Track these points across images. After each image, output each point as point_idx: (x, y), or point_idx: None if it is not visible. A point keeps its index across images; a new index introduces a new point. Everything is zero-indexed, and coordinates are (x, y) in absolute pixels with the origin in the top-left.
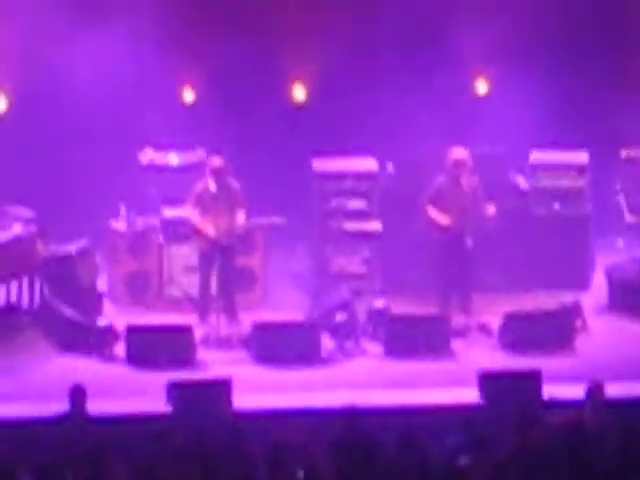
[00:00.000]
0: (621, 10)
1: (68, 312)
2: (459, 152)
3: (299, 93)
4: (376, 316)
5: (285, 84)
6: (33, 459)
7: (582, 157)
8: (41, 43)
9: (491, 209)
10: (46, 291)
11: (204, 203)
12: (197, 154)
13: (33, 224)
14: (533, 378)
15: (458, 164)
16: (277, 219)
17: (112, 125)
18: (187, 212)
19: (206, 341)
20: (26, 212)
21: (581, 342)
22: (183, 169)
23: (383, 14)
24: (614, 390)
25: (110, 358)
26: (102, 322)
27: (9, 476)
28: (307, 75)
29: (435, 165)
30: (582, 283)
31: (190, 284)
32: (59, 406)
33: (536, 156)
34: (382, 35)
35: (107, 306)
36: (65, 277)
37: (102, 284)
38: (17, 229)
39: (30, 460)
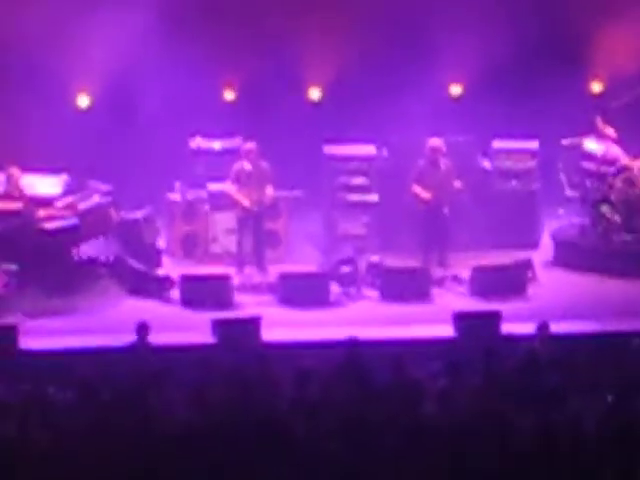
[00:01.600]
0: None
1: (135, 264)
2: (435, 141)
3: (314, 94)
4: (373, 268)
5: (303, 87)
6: (109, 381)
7: (533, 144)
8: (126, 59)
9: (460, 184)
10: (118, 248)
11: (240, 179)
12: (235, 141)
13: (109, 195)
14: (495, 318)
15: (434, 150)
16: (297, 192)
17: (171, 119)
18: (227, 187)
19: (242, 287)
20: (104, 186)
21: (532, 290)
22: (224, 153)
23: (376, 35)
24: (559, 327)
25: (167, 301)
26: (161, 272)
27: (93, 392)
28: (320, 80)
29: (420, 151)
30: (533, 243)
31: (230, 243)
32: (128, 338)
33: (498, 144)
34: (378, 53)
35: (165, 260)
36: (133, 237)
37: (162, 243)
38: (96, 199)
39: (106, 382)
